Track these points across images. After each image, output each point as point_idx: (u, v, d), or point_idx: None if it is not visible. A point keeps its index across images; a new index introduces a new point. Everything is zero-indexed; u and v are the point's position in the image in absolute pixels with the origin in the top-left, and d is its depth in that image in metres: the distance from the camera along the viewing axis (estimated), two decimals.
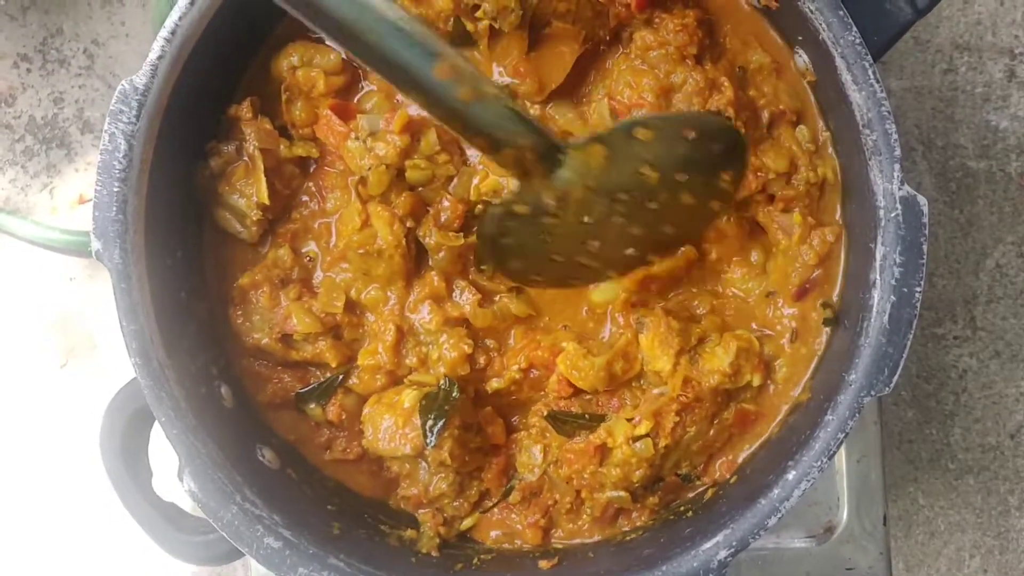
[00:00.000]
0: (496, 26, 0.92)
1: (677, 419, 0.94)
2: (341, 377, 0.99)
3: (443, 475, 0.96)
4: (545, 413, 0.97)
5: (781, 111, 0.97)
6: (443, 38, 0.94)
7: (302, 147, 0.98)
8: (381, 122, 0.95)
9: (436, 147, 0.95)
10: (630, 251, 0.91)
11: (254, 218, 0.97)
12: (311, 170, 1.01)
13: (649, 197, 0.85)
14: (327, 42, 0.96)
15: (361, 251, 0.96)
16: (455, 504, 0.99)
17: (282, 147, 0.97)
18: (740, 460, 0.99)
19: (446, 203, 0.96)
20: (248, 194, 0.96)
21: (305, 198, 1.01)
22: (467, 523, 1.00)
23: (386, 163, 0.94)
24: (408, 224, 0.95)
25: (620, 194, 0.84)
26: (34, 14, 1.31)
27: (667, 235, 0.91)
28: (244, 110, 0.97)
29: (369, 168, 0.94)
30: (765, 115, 0.97)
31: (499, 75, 0.96)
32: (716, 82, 0.94)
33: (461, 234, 0.96)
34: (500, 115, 0.75)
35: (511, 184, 0.91)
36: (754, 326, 0.99)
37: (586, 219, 0.84)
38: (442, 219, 0.96)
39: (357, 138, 0.95)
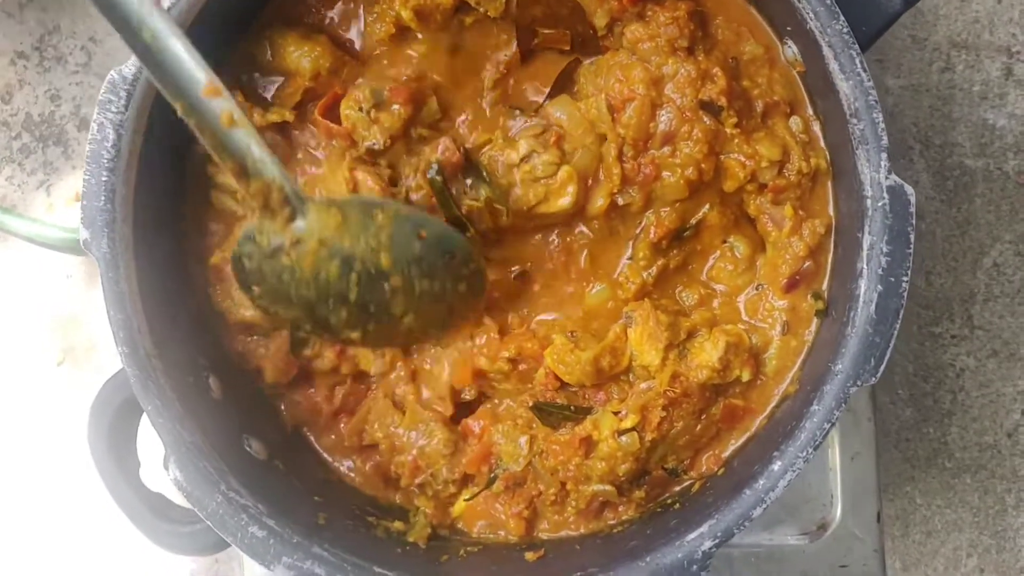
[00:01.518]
0: (482, 10, 0.93)
1: (664, 414, 0.93)
2: None
3: (431, 432, 0.97)
4: (531, 404, 0.97)
5: (775, 101, 0.97)
6: (440, 29, 0.96)
7: (276, 112, 0.96)
8: (385, 92, 0.94)
9: (438, 114, 0.95)
10: (370, 325, 0.90)
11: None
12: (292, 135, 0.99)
13: (382, 278, 0.87)
14: None
15: None
16: (445, 474, 0.98)
17: (256, 115, 0.95)
18: (727, 455, 0.98)
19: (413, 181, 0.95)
20: None
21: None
22: (457, 509, 1.00)
23: (391, 134, 0.94)
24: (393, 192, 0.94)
25: (355, 263, 0.85)
26: (31, 11, 1.32)
27: (404, 324, 0.90)
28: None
29: (373, 144, 0.94)
30: (759, 105, 0.97)
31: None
32: (709, 72, 0.93)
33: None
34: (253, 145, 0.79)
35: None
36: (744, 318, 0.99)
37: (321, 275, 0.85)
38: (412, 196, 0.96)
39: (361, 109, 0.94)
